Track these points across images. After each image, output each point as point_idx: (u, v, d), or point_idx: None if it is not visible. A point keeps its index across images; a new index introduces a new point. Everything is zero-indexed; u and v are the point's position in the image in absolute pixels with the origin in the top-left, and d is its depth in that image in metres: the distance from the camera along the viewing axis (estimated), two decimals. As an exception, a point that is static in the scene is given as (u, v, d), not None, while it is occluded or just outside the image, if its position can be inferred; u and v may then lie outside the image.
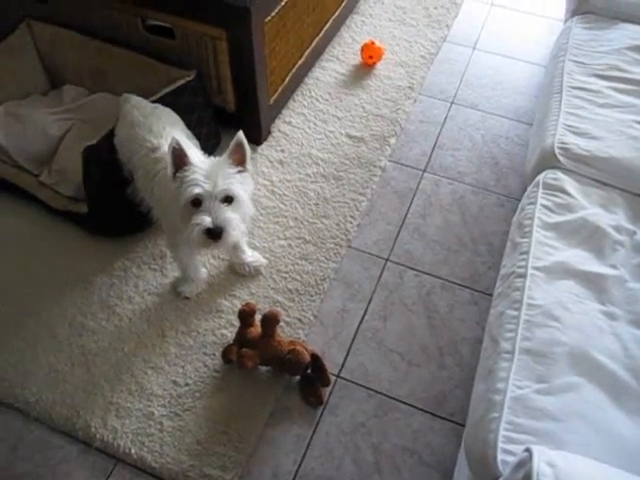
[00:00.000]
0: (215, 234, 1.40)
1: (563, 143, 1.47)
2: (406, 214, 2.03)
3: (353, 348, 1.71)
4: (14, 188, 1.96)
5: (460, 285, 1.85)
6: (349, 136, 2.23)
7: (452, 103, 2.40)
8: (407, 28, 2.70)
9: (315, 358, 1.62)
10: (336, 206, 2.01)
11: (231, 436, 1.53)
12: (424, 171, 2.16)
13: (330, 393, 1.62)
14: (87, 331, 1.71)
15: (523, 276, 1.19)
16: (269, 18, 1.86)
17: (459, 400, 1.61)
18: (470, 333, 1.74)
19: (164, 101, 1.82)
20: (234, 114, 2.08)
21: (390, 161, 2.18)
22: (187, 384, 1.62)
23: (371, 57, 2.47)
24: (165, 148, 1.57)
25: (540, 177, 1.39)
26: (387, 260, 1.91)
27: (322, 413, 1.59)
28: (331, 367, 1.66)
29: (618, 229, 1.34)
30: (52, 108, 2.06)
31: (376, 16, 2.75)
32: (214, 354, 1.67)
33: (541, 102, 1.77)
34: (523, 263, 1.21)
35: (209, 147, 2.03)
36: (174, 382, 1.62)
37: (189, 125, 1.85)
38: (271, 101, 2.11)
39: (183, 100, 1.89)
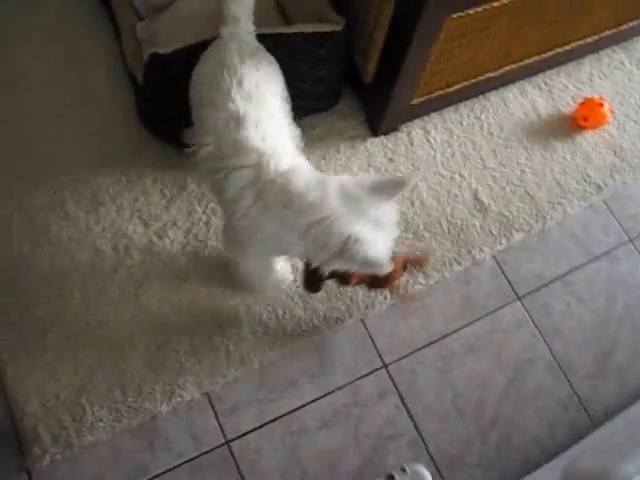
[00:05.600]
0: None
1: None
2: (450, 334, 1.56)
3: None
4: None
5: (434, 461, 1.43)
6: (475, 195, 1.68)
7: (630, 241, 1.73)
8: (668, 108, 1.92)
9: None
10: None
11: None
12: (520, 299, 1.62)
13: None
14: (59, 216, 1.53)
15: None
16: (459, 15, 1.31)
17: None
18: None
19: (290, 43, 1.40)
20: (367, 87, 1.62)
21: (493, 257, 1.65)
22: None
23: (586, 119, 1.79)
24: (251, 119, 1.15)
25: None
26: (385, 366, 1.50)
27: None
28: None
29: None
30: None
31: (645, 68, 1.97)
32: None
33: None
34: None
35: (310, 108, 1.62)
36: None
37: (301, 79, 1.45)
38: (415, 101, 1.60)
39: (316, 52, 1.45)
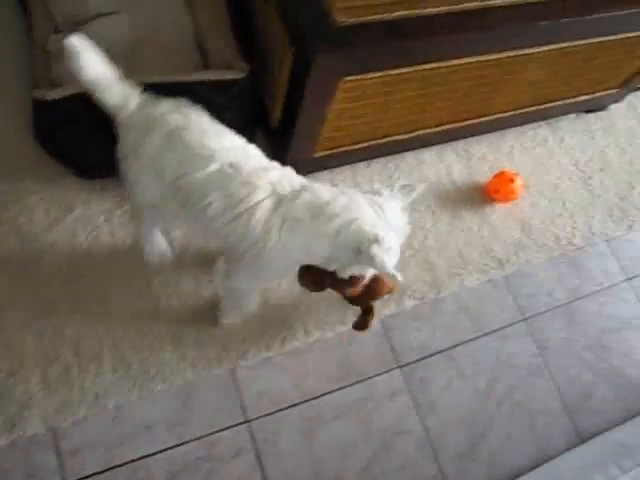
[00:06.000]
0: None
1: None
2: (322, 395, 1.51)
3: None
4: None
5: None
6: (373, 255, 1.66)
7: (524, 320, 1.71)
8: (584, 193, 1.92)
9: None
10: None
11: None
12: (401, 368, 1.57)
13: None
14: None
15: None
16: (354, 78, 1.29)
17: None
18: None
19: (191, 90, 1.32)
20: (273, 132, 1.59)
21: (380, 322, 1.61)
22: None
23: (496, 192, 1.78)
24: (241, 156, 1.17)
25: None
26: (248, 422, 1.45)
27: None
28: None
29: None
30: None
31: (566, 148, 1.97)
32: None
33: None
34: None
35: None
36: None
37: None
38: (318, 153, 1.57)
39: (218, 99, 1.41)
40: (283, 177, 1.17)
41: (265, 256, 1.17)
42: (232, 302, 1.44)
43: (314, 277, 1.27)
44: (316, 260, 1.18)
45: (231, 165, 1.15)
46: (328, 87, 1.28)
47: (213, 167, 1.15)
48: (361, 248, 1.08)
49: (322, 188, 1.17)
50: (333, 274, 1.20)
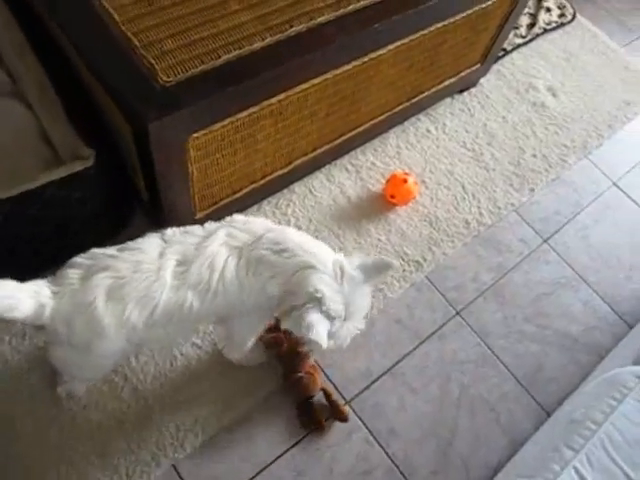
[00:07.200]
0: None
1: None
2: (275, 460, 1.41)
3: None
4: None
5: None
6: (289, 297, 1.59)
7: (457, 314, 1.68)
8: (480, 170, 1.92)
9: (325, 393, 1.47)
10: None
11: None
12: (349, 404, 1.50)
13: None
14: None
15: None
16: (200, 133, 1.22)
17: None
18: None
19: (40, 194, 1.26)
20: (147, 205, 1.51)
21: (315, 361, 1.54)
22: None
23: (393, 197, 1.75)
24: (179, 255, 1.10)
25: None
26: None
27: None
28: None
29: None
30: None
31: (450, 133, 1.98)
32: None
33: None
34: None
35: (92, 243, 1.45)
36: None
37: (67, 222, 1.38)
38: (200, 214, 1.50)
39: (71, 194, 1.33)
40: (230, 232, 1.13)
41: (250, 311, 1.15)
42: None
43: (276, 337, 1.35)
44: (272, 302, 1.13)
45: (179, 263, 1.08)
46: (176, 150, 1.21)
47: (167, 276, 1.06)
48: (301, 298, 1.06)
49: (291, 231, 1.15)
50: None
